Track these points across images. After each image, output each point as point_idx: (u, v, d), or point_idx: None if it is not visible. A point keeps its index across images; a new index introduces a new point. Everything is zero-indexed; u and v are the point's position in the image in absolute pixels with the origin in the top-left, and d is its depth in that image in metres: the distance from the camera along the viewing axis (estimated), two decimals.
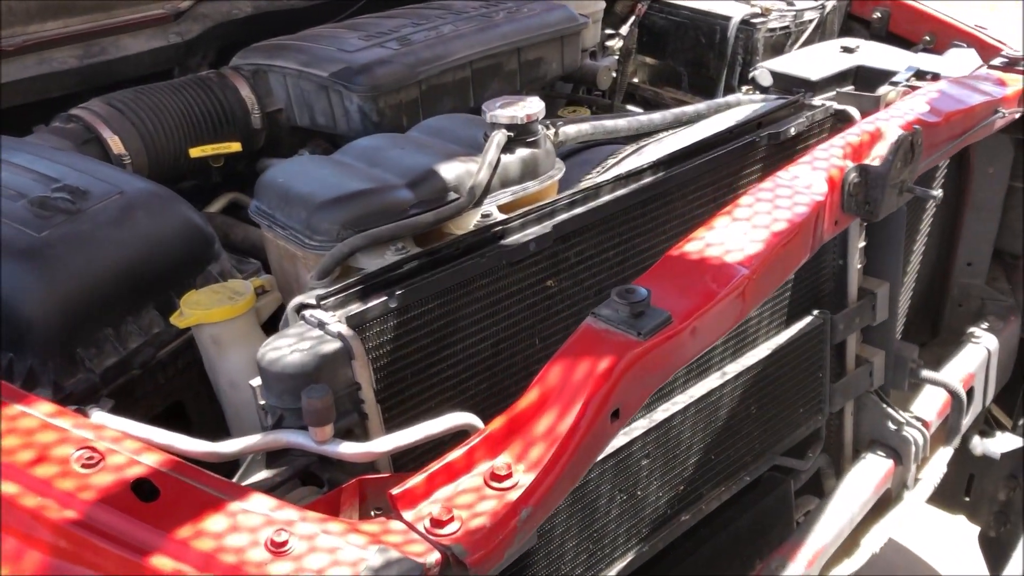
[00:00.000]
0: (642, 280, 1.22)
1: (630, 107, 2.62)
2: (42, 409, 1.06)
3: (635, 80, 2.74)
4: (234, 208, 2.01)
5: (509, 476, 1.03)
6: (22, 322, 1.32)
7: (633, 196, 1.47)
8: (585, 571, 1.45)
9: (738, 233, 1.31)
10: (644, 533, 1.52)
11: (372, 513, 1.12)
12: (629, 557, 1.50)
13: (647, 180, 1.50)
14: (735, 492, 1.68)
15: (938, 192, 1.56)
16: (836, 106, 1.77)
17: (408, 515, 0.99)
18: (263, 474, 1.13)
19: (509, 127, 1.50)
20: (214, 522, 0.95)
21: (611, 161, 1.70)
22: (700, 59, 2.58)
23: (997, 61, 1.99)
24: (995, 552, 2.52)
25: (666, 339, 1.14)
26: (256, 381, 1.19)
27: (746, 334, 1.67)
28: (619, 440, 1.45)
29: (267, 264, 1.59)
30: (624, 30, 2.71)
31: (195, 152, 1.86)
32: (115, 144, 1.75)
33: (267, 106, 1.98)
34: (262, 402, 1.17)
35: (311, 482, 1.18)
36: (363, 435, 1.19)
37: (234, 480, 1.15)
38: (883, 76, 2.01)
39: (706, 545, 1.64)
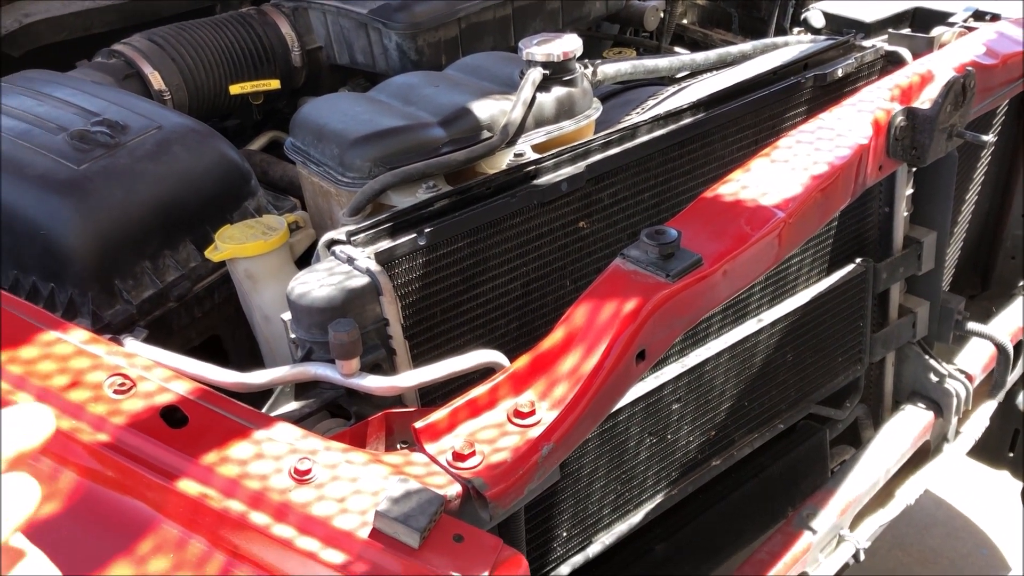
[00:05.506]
0: (674, 222, 1.20)
1: (678, 49, 2.56)
2: (77, 336, 1.08)
3: (684, 21, 2.68)
4: (274, 146, 2.02)
5: (532, 413, 1.03)
6: (62, 253, 1.35)
7: (670, 137, 1.44)
8: (612, 512, 1.45)
9: (776, 175, 1.28)
10: (673, 477, 1.52)
11: (398, 446, 1.13)
12: (658, 500, 1.50)
13: (686, 121, 1.46)
14: (768, 439, 1.66)
15: (989, 137, 1.51)
16: (887, 47, 1.70)
17: (431, 448, 1.00)
18: (292, 405, 1.15)
19: (545, 65, 1.47)
20: (240, 449, 0.96)
21: (651, 102, 1.67)
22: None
23: None
24: None
25: (695, 281, 1.12)
26: (287, 315, 1.21)
27: (786, 281, 1.64)
28: (650, 383, 1.44)
29: (304, 201, 1.59)
30: None
31: (235, 89, 1.87)
32: (155, 79, 1.76)
33: (307, 44, 1.98)
34: (292, 335, 1.19)
35: (339, 415, 1.19)
36: (391, 370, 1.20)
37: (263, 410, 1.17)
38: (942, 18, 1.93)
39: (737, 491, 1.64)
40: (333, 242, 1.23)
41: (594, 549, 1.44)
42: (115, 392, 1.01)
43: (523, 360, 1.08)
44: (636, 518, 1.48)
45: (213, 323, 1.48)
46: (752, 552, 1.59)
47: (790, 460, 1.72)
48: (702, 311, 1.16)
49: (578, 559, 1.42)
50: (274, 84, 1.89)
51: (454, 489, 0.96)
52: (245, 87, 1.86)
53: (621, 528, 1.47)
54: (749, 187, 1.26)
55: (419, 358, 1.24)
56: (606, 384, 1.06)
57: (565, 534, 1.40)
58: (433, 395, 1.25)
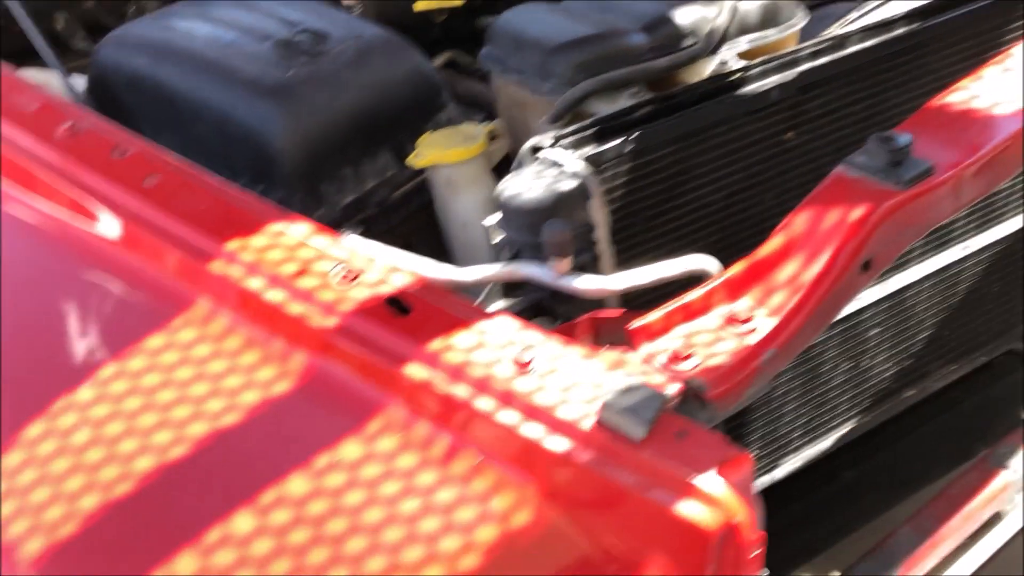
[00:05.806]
0: (900, 129, 1.14)
1: None
2: (302, 229, 1.12)
3: None
4: (452, 66, 2.03)
5: (749, 320, 1.00)
6: (272, 155, 1.40)
7: (883, 47, 1.37)
8: (803, 435, 1.42)
9: (1010, 84, 1.20)
10: (866, 404, 1.48)
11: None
12: (849, 426, 1.46)
13: (899, 31, 1.39)
14: (965, 372, 1.59)
15: None
16: None
17: (646, 348, 0.99)
18: (499, 304, 1.16)
19: None
20: (462, 338, 0.98)
21: (854, 14, 1.58)
22: None
23: None
24: None
25: (927, 191, 1.06)
26: (489, 220, 1.22)
27: (993, 206, 1.54)
28: (849, 307, 1.39)
29: (491, 116, 1.60)
30: None
31: (420, 5, 1.88)
32: None
33: None
34: (498, 238, 1.20)
35: (545, 316, 1.20)
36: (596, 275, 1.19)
37: None
38: None
39: (929, 423, 1.58)
40: (537, 148, 1.23)
41: (782, 471, 1.41)
42: (341, 281, 1.05)
43: (738, 267, 1.06)
44: (826, 443, 1.45)
45: (408, 230, 1.51)
46: (944, 487, 1.53)
47: (986, 396, 1.64)
48: (931, 222, 1.11)
49: (765, 480, 1.40)
50: (458, 1, 1.89)
51: (674, 387, 0.94)
52: (430, 4, 1.86)
53: (810, 452, 1.44)
54: (981, 96, 1.18)
55: (622, 265, 1.23)
56: (830, 293, 1.02)
57: (756, 452, 1.38)
58: (636, 302, 1.24)
